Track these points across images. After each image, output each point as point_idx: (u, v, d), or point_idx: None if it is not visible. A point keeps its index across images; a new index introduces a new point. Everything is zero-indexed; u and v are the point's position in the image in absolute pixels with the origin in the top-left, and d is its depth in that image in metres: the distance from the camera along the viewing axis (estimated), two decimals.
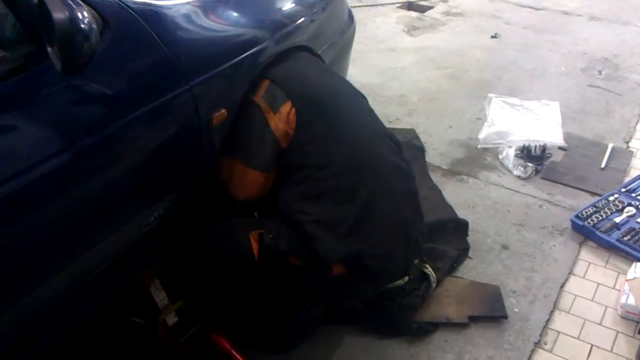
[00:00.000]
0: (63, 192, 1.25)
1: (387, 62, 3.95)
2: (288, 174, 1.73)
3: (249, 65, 1.73)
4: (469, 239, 2.34)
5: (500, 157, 2.92)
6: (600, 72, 3.89)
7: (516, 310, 2.04)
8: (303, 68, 1.90)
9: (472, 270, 2.22)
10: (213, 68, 1.57)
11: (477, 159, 2.92)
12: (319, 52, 2.11)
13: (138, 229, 1.50)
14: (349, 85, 2.04)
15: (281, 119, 1.70)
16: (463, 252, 2.27)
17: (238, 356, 1.68)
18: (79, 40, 1.09)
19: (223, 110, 1.62)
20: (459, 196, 2.59)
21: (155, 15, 1.47)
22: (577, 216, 2.44)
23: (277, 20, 1.90)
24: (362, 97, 2.02)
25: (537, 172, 2.81)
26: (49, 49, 1.14)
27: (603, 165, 2.86)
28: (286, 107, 1.71)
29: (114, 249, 1.47)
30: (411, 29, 4.58)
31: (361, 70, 3.72)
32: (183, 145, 1.55)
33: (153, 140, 1.45)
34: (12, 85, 1.18)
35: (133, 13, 1.41)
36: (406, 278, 2.02)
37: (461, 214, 2.40)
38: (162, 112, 1.44)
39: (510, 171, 2.82)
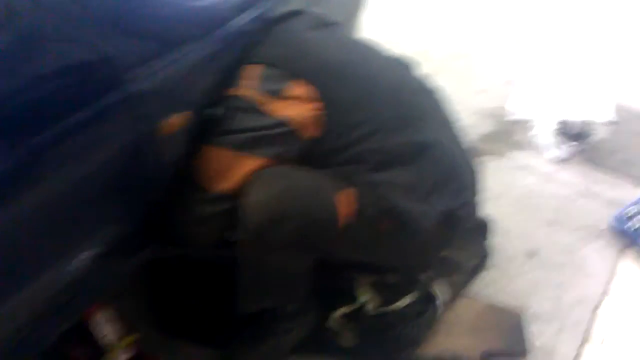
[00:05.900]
0: None
1: (407, 9, 3.46)
2: (344, 154, 1.40)
3: (220, 49, 1.35)
4: (489, 241, 1.99)
5: (533, 132, 2.51)
6: None
7: (538, 343, 1.72)
8: (298, 37, 1.50)
9: (489, 285, 1.88)
10: (156, 60, 1.20)
11: (505, 134, 2.53)
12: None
13: (64, 271, 1.20)
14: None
15: (296, 104, 1.35)
16: (481, 260, 1.93)
17: None
18: None
19: (177, 115, 1.27)
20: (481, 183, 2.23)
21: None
22: (618, 217, 2.07)
23: None
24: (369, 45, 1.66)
25: (576, 153, 2.41)
26: None
27: None
28: (298, 89, 1.36)
29: (36, 299, 1.17)
30: None
31: (374, 20, 3.23)
32: (117, 164, 1.20)
33: (73, 160, 1.11)
34: None
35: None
36: (407, 300, 1.72)
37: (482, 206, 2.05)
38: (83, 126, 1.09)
39: (543, 151, 2.42)
